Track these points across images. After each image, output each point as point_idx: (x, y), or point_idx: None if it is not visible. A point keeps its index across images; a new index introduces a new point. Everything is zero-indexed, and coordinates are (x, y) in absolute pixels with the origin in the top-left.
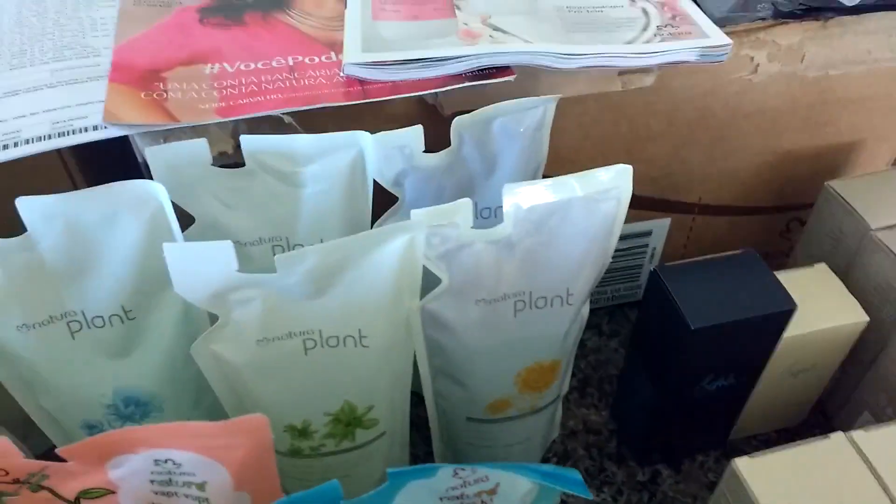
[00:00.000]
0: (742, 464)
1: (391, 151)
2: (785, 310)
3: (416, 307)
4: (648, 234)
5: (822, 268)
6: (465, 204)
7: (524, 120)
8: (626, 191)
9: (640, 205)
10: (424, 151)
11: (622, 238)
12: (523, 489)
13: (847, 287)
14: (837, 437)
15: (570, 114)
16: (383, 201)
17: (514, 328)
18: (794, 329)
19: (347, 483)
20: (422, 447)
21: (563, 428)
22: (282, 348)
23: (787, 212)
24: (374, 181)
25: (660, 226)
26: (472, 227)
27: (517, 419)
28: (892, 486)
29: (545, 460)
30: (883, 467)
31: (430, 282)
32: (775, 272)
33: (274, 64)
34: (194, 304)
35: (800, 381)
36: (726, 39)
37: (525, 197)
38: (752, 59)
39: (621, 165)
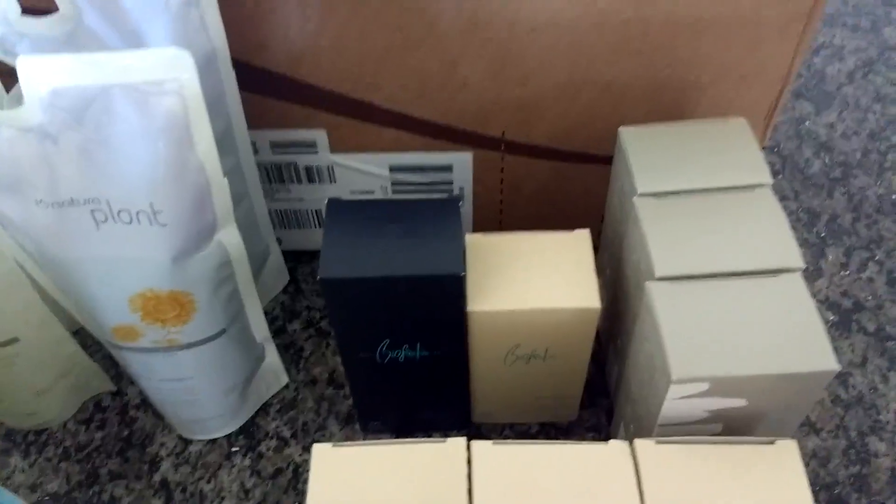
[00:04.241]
0: (317, 449)
1: None
2: (444, 275)
3: None
4: (448, 168)
5: (580, 235)
6: None
7: None
8: (189, 84)
9: (428, 131)
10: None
11: (420, 170)
12: None
13: (619, 262)
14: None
15: None
16: None
17: (100, 243)
18: (506, 305)
19: None
20: None
21: (307, 374)
22: None
23: None
24: None
25: (461, 160)
26: None
27: (159, 352)
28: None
29: (267, 406)
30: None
31: None
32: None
33: None
34: None
35: (537, 369)
36: None
37: (41, 72)
38: None
39: (175, 50)
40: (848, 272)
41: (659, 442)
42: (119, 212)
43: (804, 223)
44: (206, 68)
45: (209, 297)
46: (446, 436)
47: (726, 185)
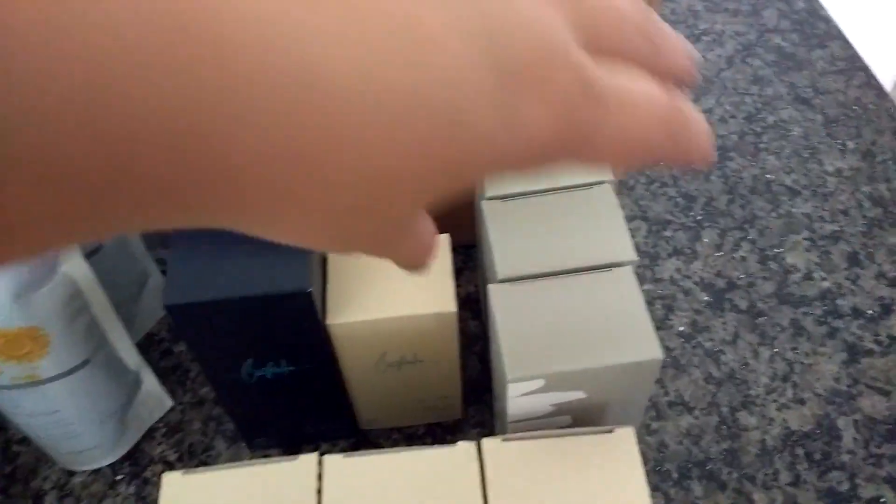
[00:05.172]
0: (167, 478)
1: None
2: (291, 292)
3: None
4: None
5: (441, 239)
6: None
7: None
8: None
9: None
10: None
11: None
12: None
13: (483, 265)
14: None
15: None
16: None
17: None
18: (364, 315)
19: None
20: None
21: (193, 395)
22: None
23: None
24: None
25: None
26: None
27: (21, 388)
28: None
29: (152, 430)
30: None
31: None
32: None
33: None
34: None
35: (411, 373)
36: None
37: None
38: None
39: None
40: (722, 252)
41: (505, 440)
42: None
43: (682, 208)
44: None
45: (63, 330)
46: (334, 445)
47: (568, 185)
